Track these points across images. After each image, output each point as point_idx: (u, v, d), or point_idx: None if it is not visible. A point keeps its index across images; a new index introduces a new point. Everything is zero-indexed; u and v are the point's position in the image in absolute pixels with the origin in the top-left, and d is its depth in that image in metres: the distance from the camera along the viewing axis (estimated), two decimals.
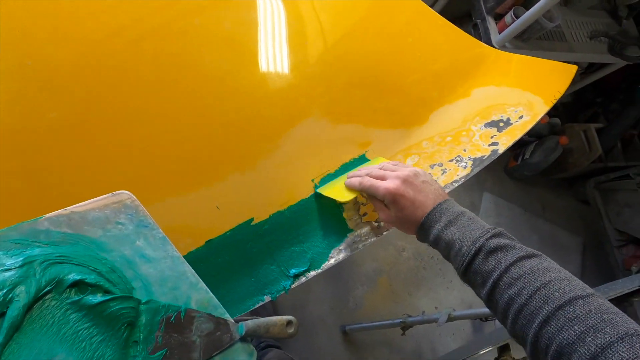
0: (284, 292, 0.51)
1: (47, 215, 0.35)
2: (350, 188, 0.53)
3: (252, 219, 0.52)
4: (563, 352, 0.32)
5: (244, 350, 0.40)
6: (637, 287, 0.82)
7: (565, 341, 0.32)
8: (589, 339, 0.31)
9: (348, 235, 0.56)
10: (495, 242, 0.40)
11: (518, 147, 1.85)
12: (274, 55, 0.60)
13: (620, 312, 0.33)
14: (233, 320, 0.40)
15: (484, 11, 1.31)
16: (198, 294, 0.40)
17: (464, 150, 0.63)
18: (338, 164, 0.59)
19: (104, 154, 0.48)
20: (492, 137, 0.64)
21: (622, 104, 1.82)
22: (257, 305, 0.49)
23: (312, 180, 0.57)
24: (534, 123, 0.65)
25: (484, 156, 0.62)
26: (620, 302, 0.90)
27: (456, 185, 0.60)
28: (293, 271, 0.51)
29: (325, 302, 1.38)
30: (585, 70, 1.62)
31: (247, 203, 0.53)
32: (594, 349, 0.30)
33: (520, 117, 0.66)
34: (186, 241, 0.49)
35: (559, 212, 1.89)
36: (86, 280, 0.34)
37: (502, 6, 1.27)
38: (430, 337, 1.45)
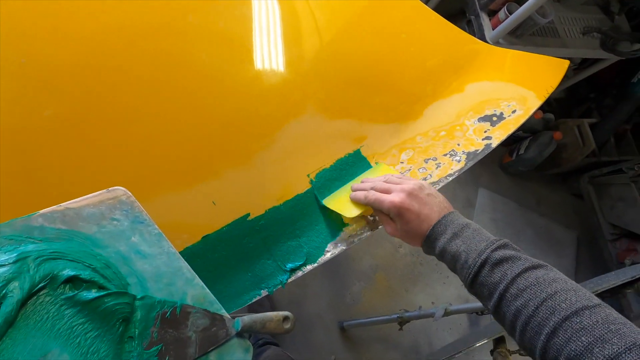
0: (280, 286, 0.51)
1: (41, 211, 0.35)
2: (355, 202, 0.53)
3: (248, 214, 0.53)
4: None
5: (240, 345, 0.40)
6: (630, 279, 0.83)
7: (573, 352, 0.32)
8: (597, 350, 0.31)
9: (344, 229, 0.56)
10: (500, 253, 0.40)
11: (512, 142, 1.87)
12: (269, 52, 0.61)
13: (628, 322, 0.33)
14: (229, 316, 0.40)
15: (478, 8, 1.31)
16: (194, 290, 0.40)
17: (458, 144, 0.64)
18: (333, 159, 0.60)
19: (99, 151, 0.48)
20: (485, 132, 0.65)
21: (615, 99, 1.84)
22: (254, 300, 0.50)
23: (308, 176, 0.57)
24: (526, 117, 0.66)
25: (477, 150, 0.63)
26: (613, 294, 0.92)
27: (450, 179, 0.60)
28: (289, 265, 0.52)
29: (323, 299, 1.38)
30: (578, 66, 1.63)
31: (243, 198, 0.54)
32: None
33: (514, 112, 0.67)
34: (183, 237, 0.49)
35: (553, 206, 1.91)
36: (81, 276, 0.34)
37: (496, 3, 1.28)
38: (427, 332, 1.46)
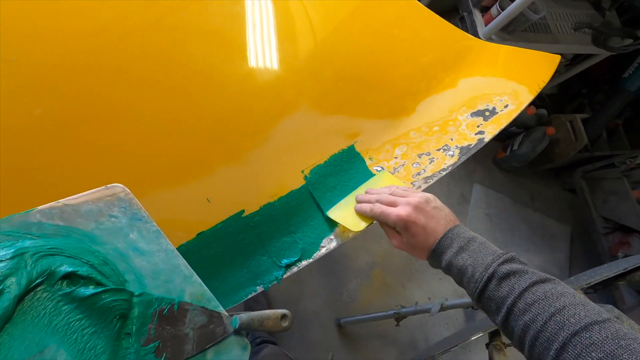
0: (276, 282, 0.51)
1: (39, 207, 0.35)
2: (360, 214, 0.53)
3: (242, 211, 0.53)
4: None
5: (237, 343, 0.40)
6: (622, 271, 0.84)
7: None
8: None
9: (338, 224, 0.56)
10: (507, 267, 0.40)
11: (506, 138, 1.88)
12: (262, 49, 0.61)
13: (639, 337, 0.33)
14: (227, 314, 0.40)
15: (471, 4, 1.32)
16: (192, 287, 0.40)
17: (451, 139, 0.64)
18: (327, 155, 0.60)
19: (91, 150, 0.48)
20: (478, 126, 0.65)
21: (606, 94, 1.86)
22: (249, 296, 0.50)
23: (302, 172, 0.58)
24: (519, 112, 0.66)
25: (470, 145, 0.63)
26: (606, 286, 0.93)
27: (444, 173, 0.61)
28: (285, 261, 0.52)
29: (320, 296, 1.39)
30: (570, 61, 1.64)
31: (237, 195, 0.54)
32: None
33: (506, 106, 0.67)
34: (177, 234, 0.49)
35: (547, 201, 1.93)
36: (78, 273, 0.34)
37: None
38: (424, 328, 1.46)
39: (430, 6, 0.77)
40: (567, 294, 0.37)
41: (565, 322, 0.34)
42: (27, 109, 0.45)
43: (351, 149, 0.61)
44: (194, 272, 0.41)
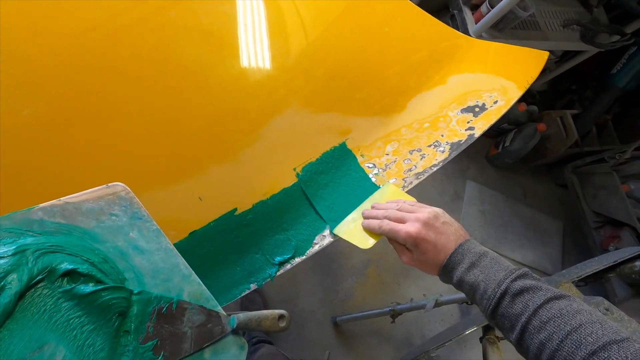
0: (269, 279, 0.51)
1: (41, 205, 0.36)
2: (368, 231, 0.52)
3: (235, 209, 0.53)
4: None
5: (235, 342, 0.40)
6: (612, 263, 0.86)
7: None
8: None
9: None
10: (520, 283, 0.39)
11: (498, 135, 1.90)
12: (254, 48, 0.61)
13: None
14: (225, 313, 0.41)
15: (461, 2, 1.33)
16: (190, 287, 0.40)
17: (442, 135, 0.65)
18: (319, 152, 0.60)
19: (82, 150, 0.47)
20: (468, 122, 0.66)
21: (595, 90, 1.88)
22: (243, 294, 0.50)
23: (294, 169, 0.58)
24: (508, 107, 0.67)
25: (461, 141, 0.64)
26: (597, 278, 0.94)
27: (435, 169, 0.61)
28: (278, 259, 0.52)
29: (315, 295, 1.39)
30: (560, 58, 1.66)
31: (230, 193, 0.54)
32: None
33: (495, 102, 0.68)
34: (170, 233, 0.48)
35: (539, 197, 1.95)
36: (78, 270, 0.34)
37: None
38: (419, 324, 1.47)
39: (421, 4, 0.78)
40: (583, 311, 0.36)
41: (582, 340, 0.34)
42: (16, 109, 0.45)
43: (343, 146, 0.62)
44: (193, 272, 0.41)
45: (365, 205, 0.57)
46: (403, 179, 0.60)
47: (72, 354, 0.32)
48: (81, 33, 0.50)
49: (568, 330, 0.35)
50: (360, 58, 0.69)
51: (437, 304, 1.05)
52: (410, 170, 0.61)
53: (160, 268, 0.39)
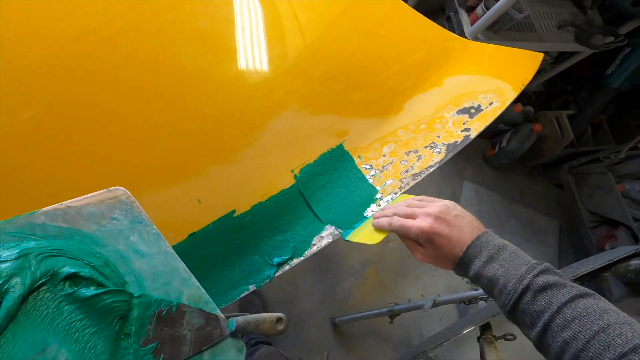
0: (268, 280, 0.52)
1: (44, 209, 0.36)
2: (378, 229, 0.51)
3: (234, 211, 0.53)
4: None
5: (233, 345, 0.41)
6: (607, 262, 0.87)
7: None
8: None
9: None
10: (543, 279, 0.38)
11: (494, 136, 1.91)
12: (252, 50, 0.61)
13: None
14: (224, 316, 0.41)
15: (456, 4, 1.34)
16: (190, 290, 0.41)
17: (438, 136, 0.65)
18: (316, 154, 0.60)
19: (81, 152, 0.48)
20: (464, 124, 0.67)
21: (590, 91, 1.90)
22: (242, 295, 0.50)
23: (292, 171, 0.58)
24: (503, 108, 0.68)
25: (457, 142, 0.64)
26: (593, 277, 0.95)
27: (431, 170, 0.62)
28: (276, 260, 0.53)
29: (314, 296, 1.39)
30: (555, 59, 1.68)
31: (228, 196, 0.54)
32: None
33: (491, 104, 0.69)
34: (169, 235, 0.49)
35: (536, 197, 1.96)
36: (80, 274, 0.34)
37: None
38: (417, 325, 1.48)
39: (417, 6, 0.78)
40: (610, 311, 0.35)
41: (610, 342, 0.32)
42: (16, 112, 0.45)
43: (340, 147, 0.62)
44: (192, 275, 0.41)
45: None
46: (400, 180, 0.61)
47: (74, 357, 0.32)
48: (80, 36, 0.50)
49: (595, 331, 0.33)
50: (357, 60, 0.69)
51: (435, 304, 1.06)
52: (407, 171, 0.62)
53: (160, 272, 0.40)
